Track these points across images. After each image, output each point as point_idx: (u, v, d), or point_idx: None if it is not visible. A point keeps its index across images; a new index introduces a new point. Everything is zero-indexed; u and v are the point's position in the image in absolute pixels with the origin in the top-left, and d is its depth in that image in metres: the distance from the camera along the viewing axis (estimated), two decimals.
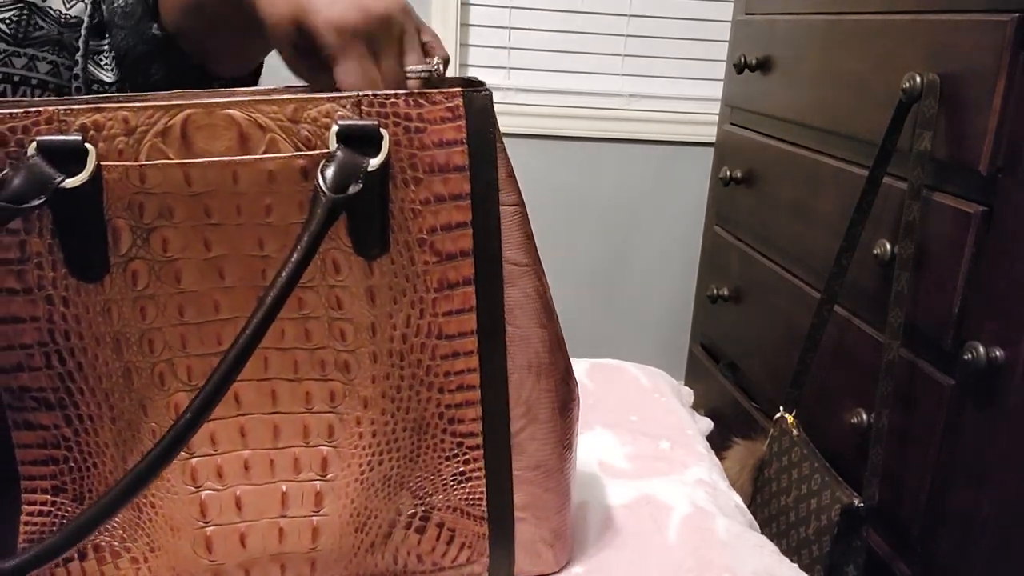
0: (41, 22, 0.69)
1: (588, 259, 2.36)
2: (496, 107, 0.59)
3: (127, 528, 0.60)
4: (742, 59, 1.74)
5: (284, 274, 0.49)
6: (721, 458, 1.34)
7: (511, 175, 0.59)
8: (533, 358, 0.62)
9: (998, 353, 0.99)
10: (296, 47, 0.58)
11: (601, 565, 0.72)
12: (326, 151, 0.54)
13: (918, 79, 1.10)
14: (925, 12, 1.16)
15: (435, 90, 0.56)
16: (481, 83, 0.58)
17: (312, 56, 0.58)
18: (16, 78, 0.69)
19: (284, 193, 0.54)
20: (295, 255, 0.50)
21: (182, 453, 0.57)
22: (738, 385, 1.80)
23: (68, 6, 0.71)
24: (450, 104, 0.56)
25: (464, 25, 2.18)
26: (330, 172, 0.52)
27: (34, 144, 0.50)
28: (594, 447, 0.94)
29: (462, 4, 2.15)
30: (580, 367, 1.16)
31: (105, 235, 0.53)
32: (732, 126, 1.88)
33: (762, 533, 0.85)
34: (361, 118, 0.54)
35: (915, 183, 1.09)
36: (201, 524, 0.60)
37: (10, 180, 0.49)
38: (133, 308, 0.55)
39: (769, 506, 1.34)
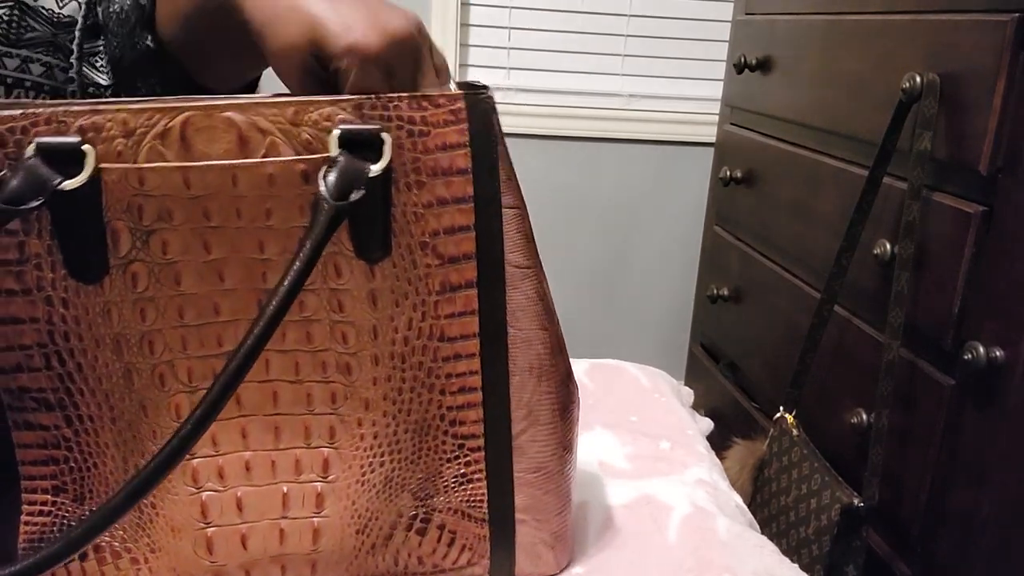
0: (33, 23, 0.69)
1: (588, 259, 2.36)
2: (496, 107, 0.59)
3: (128, 529, 0.60)
4: (742, 59, 1.74)
5: (286, 282, 0.49)
6: (721, 458, 1.34)
7: (511, 177, 0.59)
8: (534, 360, 0.62)
9: (998, 353, 0.99)
10: (305, 73, 0.57)
11: (601, 565, 0.72)
12: (327, 155, 0.53)
13: (918, 79, 1.10)
14: (925, 12, 1.16)
15: (437, 93, 0.55)
16: (483, 86, 0.58)
17: (320, 83, 0.57)
18: (9, 80, 0.68)
19: (284, 197, 0.54)
20: (297, 263, 0.50)
21: None
22: (738, 385, 1.80)
23: (61, 5, 0.70)
24: (452, 107, 0.56)
25: (464, 25, 2.18)
26: (332, 178, 0.52)
27: (33, 145, 0.50)
28: (594, 447, 0.94)
29: (462, 4, 2.15)
30: (580, 367, 1.16)
31: (104, 237, 0.53)
32: (732, 126, 1.88)
33: (762, 533, 0.85)
34: (363, 122, 0.54)
35: (915, 183, 1.09)
36: (202, 525, 0.60)
37: (8, 181, 0.49)
38: (133, 310, 0.55)
39: (769, 506, 1.34)
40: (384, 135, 0.54)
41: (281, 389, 0.58)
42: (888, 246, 1.15)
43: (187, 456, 0.58)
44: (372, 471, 0.61)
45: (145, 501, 0.59)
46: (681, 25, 2.23)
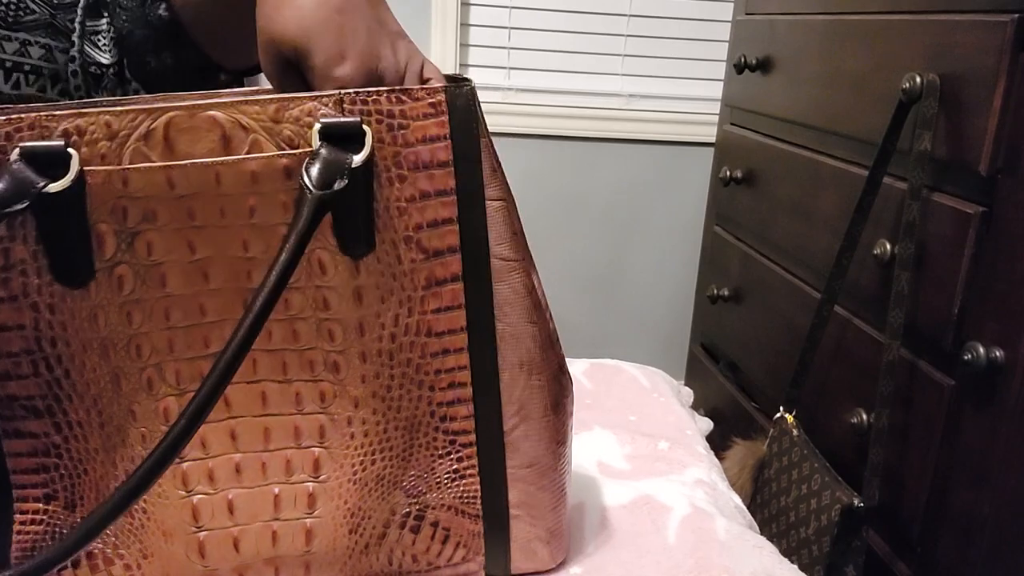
0: (32, 5, 0.68)
1: (588, 259, 2.36)
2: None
3: (119, 535, 0.59)
4: (742, 59, 1.74)
5: (273, 275, 0.49)
6: (721, 458, 1.34)
7: (496, 170, 0.58)
8: (524, 355, 0.62)
9: (998, 353, 0.98)
10: (283, 66, 0.57)
11: (599, 565, 0.71)
12: (309, 150, 0.54)
13: (918, 79, 1.10)
14: (925, 12, 1.16)
15: (417, 86, 0.56)
16: (466, 79, 0.58)
17: (296, 75, 0.57)
18: (8, 64, 0.68)
19: (267, 193, 0.54)
20: (283, 255, 0.50)
21: None
22: (738, 385, 1.80)
23: None
24: (432, 100, 0.56)
25: (464, 25, 2.18)
26: (314, 170, 0.52)
27: (16, 150, 0.50)
28: (593, 447, 0.94)
29: (462, 4, 2.15)
30: (579, 367, 1.16)
31: (89, 240, 0.53)
32: (732, 126, 1.87)
33: (762, 533, 0.84)
34: (343, 115, 0.54)
35: (915, 183, 1.09)
36: (194, 529, 0.60)
37: None
38: (119, 313, 0.54)
39: (769, 506, 1.34)
40: (365, 127, 0.54)
41: (269, 389, 0.58)
42: (888, 246, 1.15)
43: (177, 459, 0.58)
44: (364, 469, 0.61)
45: (136, 506, 0.59)
46: (681, 25, 2.23)
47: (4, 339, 0.54)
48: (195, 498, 0.59)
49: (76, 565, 0.59)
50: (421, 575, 0.65)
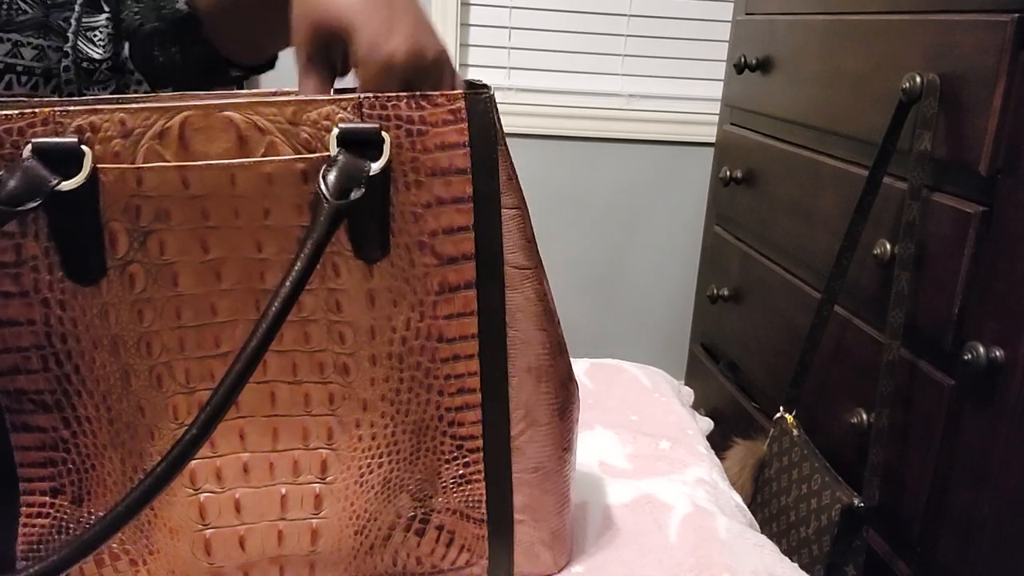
0: (25, 5, 0.68)
1: (588, 259, 2.36)
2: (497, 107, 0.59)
3: (126, 531, 0.59)
4: (742, 59, 1.74)
5: (288, 282, 0.49)
6: (721, 458, 1.34)
7: (512, 178, 0.58)
8: (533, 362, 0.62)
9: (998, 353, 0.99)
10: (315, 50, 0.56)
11: (601, 564, 0.72)
12: (326, 154, 0.53)
13: (918, 79, 1.10)
14: (925, 12, 1.16)
15: (437, 92, 0.55)
16: (484, 86, 0.58)
17: (327, 67, 0.57)
18: (0, 65, 0.68)
19: (283, 196, 0.54)
20: (299, 263, 0.49)
21: None
22: (738, 385, 1.80)
23: None
24: (452, 107, 0.55)
25: (464, 25, 2.18)
26: (332, 177, 0.52)
27: (29, 146, 0.50)
28: (594, 447, 0.94)
29: (462, 4, 2.15)
30: (580, 367, 1.16)
31: (101, 238, 0.53)
32: (732, 126, 1.87)
33: (762, 533, 0.85)
34: (362, 121, 0.54)
35: (915, 183, 1.09)
36: (200, 526, 0.60)
37: (5, 183, 0.49)
38: (130, 311, 0.55)
39: (769, 506, 1.34)
40: (384, 134, 0.54)
41: (279, 390, 0.58)
42: (888, 246, 1.15)
43: None
44: (370, 472, 0.61)
45: None
46: (681, 25, 2.23)
47: (14, 334, 0.54)
48: (202, 496, 0.59)
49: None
50: None
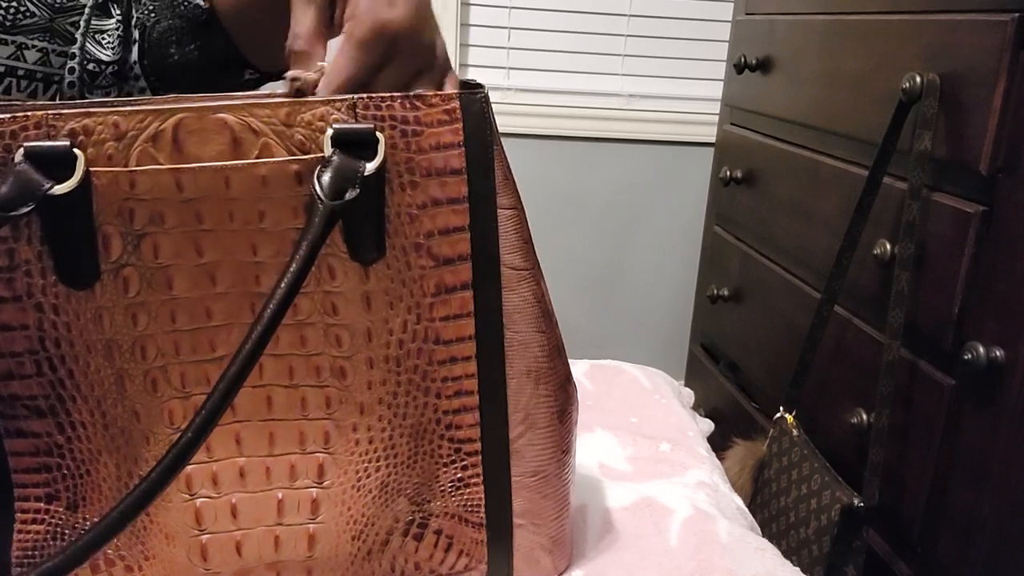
0: (32, 8, 0.67)
1: (588, 259, 2.36)
2: (496, 107, 0.58)
3: (121, 536, 0.59)
4: (742, 59, 1.74)
5: (283, 284, 0.49)
6: (721, 458, 1.33)
7: (508, 178, 0.58)
8: (532, 364, 0.61)
9: (998, 353, 0.99)
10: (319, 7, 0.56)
11: (601, 568, 0.71)
12: (320, 155, 0.53)
13: (918, 79, 1.10)
14: (925, 12, 1.16)
15: (432, 93, 0.55)
16: (479, 85, 0.57)
17: (323, 23, 0.56)
18: (1, 69, 0.67)
19: (278, 198, 0.54)
20: (294, 265, 0.49)
21: None
22: (738, 385, 1.80)
23: None
24: (447, 107, 0.55)
25: (464, 25, 2.17)
26: (326, 178, 0.51)
27: (22, 150, 0.49)
28: (594, 449, 0.94)
29: (462, 4, 2.14)
30: (580, 368, 1.16)
31: (95, 242, 0.52)
32: (732, 126, 1.87)
33: (762, 533, 0.84)
34: (356, 121, 0.54)
35: (915, 183, 1.09)
36: (196, 532, 0.59)
37: None
38: (125, 315, 0.54)
39: (769, 506, 1.34)
40: (378, 134, 0.54)
41: (275, 394, 0.58)
42: (888, 246, 1.15)
43: None
44: (368, 476, 0.60)
45: None
46: (681, 25, 2.23)
47: (8, 339, 0.53)
48: (198, 501, 0.59)
49: None
50: None
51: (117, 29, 0.71)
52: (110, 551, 0.59)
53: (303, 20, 0.56)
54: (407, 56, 0.55)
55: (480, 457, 0.62)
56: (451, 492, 0.63)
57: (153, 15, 0.70)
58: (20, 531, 0.57)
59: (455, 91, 0.55)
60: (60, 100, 0.70)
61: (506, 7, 2.17)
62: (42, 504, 0.57)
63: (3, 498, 0.57)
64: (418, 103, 0.54)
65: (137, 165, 0.52)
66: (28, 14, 0.67)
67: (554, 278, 2.36)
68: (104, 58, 0.70)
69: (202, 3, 0.69)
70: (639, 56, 2.24)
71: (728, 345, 1.84)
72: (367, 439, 0.60)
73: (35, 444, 0.56)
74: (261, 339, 0.48)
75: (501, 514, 0.64)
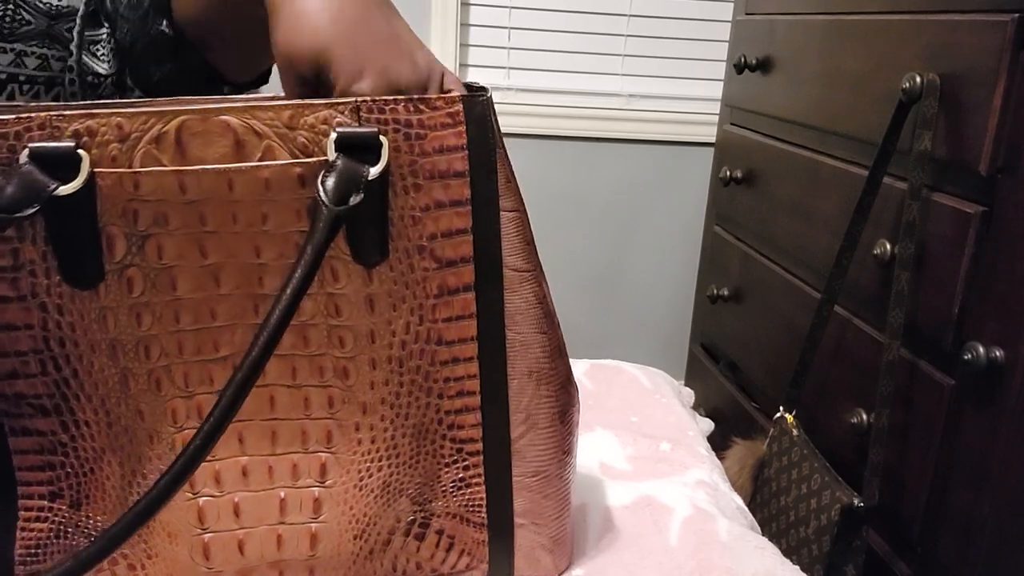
0: (28, 16, 0.68)
1: (588, 259, 2.36)
2: (496, 107, 0.58)
3: None
4: (742, 59, 1.74)
5: (289, 288, 0.49)
6: (721, 458, 1.34)
7: (510, 180, 0.58)
8: (533, 364, 0.62)
9: (998, 353, 0.99)
10: (301, 82, 0.57)
11: (601, 567, 0.71)
12: (323, 159, 0.53)
13: (918, 79, 1.10)
14: (925, 12, 1.16)
15: (435, 95, 0.55)
16: (482, 88, 0.57)
17: (314, 92, 0.57)
18: (3, 76, 0.67)
19: (281, 201, 0.54)
20: (299, 269, 0.49)
21: None
22: (738, 385, 1.80)
23: None
24: (450, 110, 0.55)
25: (464, 25, 2.17)
26: (330, 182, 0.52)
27: (26, 151, 0.50)
28: (595, 448, 0.94)
29: (462, 4, 2.15)
30: (580, 368, 1.16)
31: (99, 243, 0.52)
32: (732, 126, 1.87)
33: (762, 533, 0.85)
34: (360, 125, 0.54)
35: (915, 183, 1.09)
36: (199, 531, 0.59)
37: (3, 189, 0.49)
38: (129, 315, 0.54)
39: (769, 506, 1.34)
40: (382, 137, 0.54)
41: (278, 394, 0.58)
42: (888, 246, 1.15)
43: None
44: (370, 476, 0.61)
45: None
46: (681, 25, 2.23)
47: (12, 338, 0.54)
48: (201, 500, 0.59)
49: None
50: None
51: (109, 41, 0.71)
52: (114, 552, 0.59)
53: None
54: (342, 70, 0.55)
55: (481, 457, 0.63)
56: (453, 492, 0.63)
57: (129, 36, 0.71)
58: (23, 529, 0.58)
59: (458, 94, 0.56)
60: (63, 101, 0.70)
61: (506, 7, 2.17)
62: (46, 502, 0.57)
63: (7, 496, 0.57)
64: (421, 106, 0.55)
65: (141, 167, 0.52)
66: (24, 21, 0.67)
67: (554, 278, 2.36)
68: (101, 71, 0.71)
69: (165, 29, 0.69)
70: (639, 56, 2.24)
71: (728, 345, 1.84)
72: (369, 439, 0.60)
73: (39, 442, 0.56)
74: (267, 345, 0.48)
75: (502, 514, 0.64)
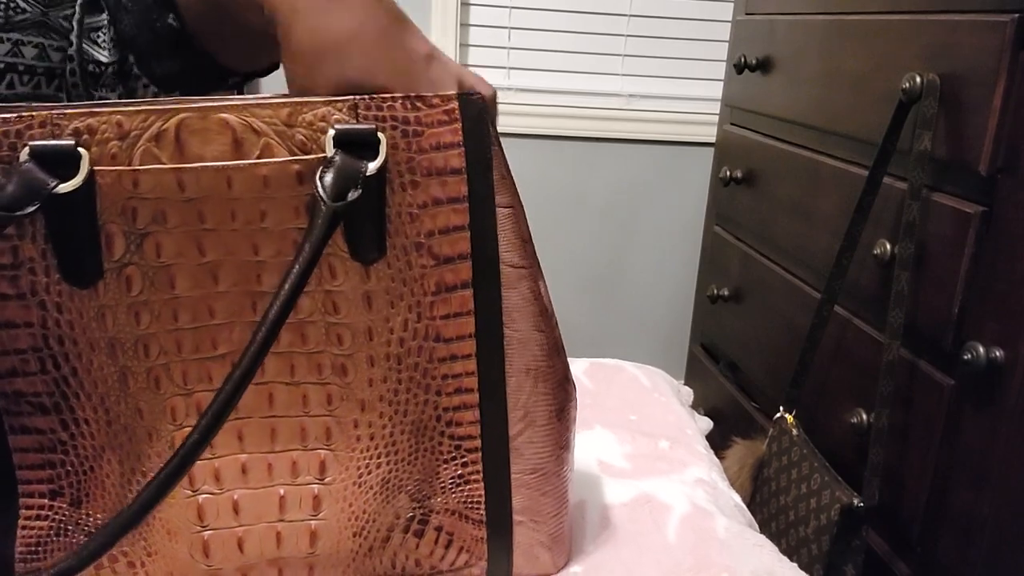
0: (23, 4, 0.67)
1: (588, 259, 2.36)
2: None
3: None
4: (742, 59, 1.74)
5: (287, 285, 0.49)
6: (721, 457, 1.34)
7: (505, 176, 0.58)
8: (531, 361, 0.62)
9: (998, 353, 0.99)
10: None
11: (599, 564, 0.72)
12: (322, 155, 0.53)
13: (918, 79, 1.10)
14: (925, 12, 1.16)
15: (431, 93, 0.55)
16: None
17: None
18: (1, 66, 0.67)
19: (279, 198, 0.54)
20: (297, 265, 0.49)
21: None
22: (738, 385, 1.80)
23: None
24: (446, 107, 0.55)
25: (464, 25, 2.18)
26: (329, 179, 0.52)
27: (27, 149, 0.50)
28: (593, 446, 0.94)
29: (462, 4, 2.15)
30: (579, 367, 1.16)
31: (98, 241, 0.53)
32: (732, 126, 1.87)
33: (761, 532, 0.85)
34: (358, 122, 0.54)
35: (915, 183, 1.09)
36: (198, 528, 0.60)
37: (3, 187, 0.49)
38: (127, 313, 0.55)
39: (768, 505, 1.34)
40: (380, 134, 0.54)
41: (277, 391, 0.58)
42: (888, 246, 1.15)
43: None
44: (369, 473, 0.61)
45: None
46: (681, 25, 2.23)
47: (11, 336, 0.54)
48: (201, 497, 0.59)
49: None
50: None
51: (109, 29, 0.71)
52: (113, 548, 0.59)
53: None
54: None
55: (480, 454, 0.63)
56: (451, 489, 0.63)
57: (131, 29, 0.71)
58: (24, 527, 0.58)
59: (454, 92, 0.56)
60: (67, 95, 0.70)
61: (506, 7, 2.17)
62: (46, 500, 0.58)
63: (7, 494, 0.57)
64: (418, 104, 0.55)
65: (140, 164, 0.52)
66: (20, 10, 0.67)
67: (554, 278, 2.36)
68: (102, 59, 0.70)
69: (172, 22, 0.69)
70: (639, 56, 2.25)
71: (728, 345, 1.84)
72: (368, 436, 0.60)
73: (39, 440, 0.56)
74: (265, 342, 0.48)
75: (501, 511, 0.64)
